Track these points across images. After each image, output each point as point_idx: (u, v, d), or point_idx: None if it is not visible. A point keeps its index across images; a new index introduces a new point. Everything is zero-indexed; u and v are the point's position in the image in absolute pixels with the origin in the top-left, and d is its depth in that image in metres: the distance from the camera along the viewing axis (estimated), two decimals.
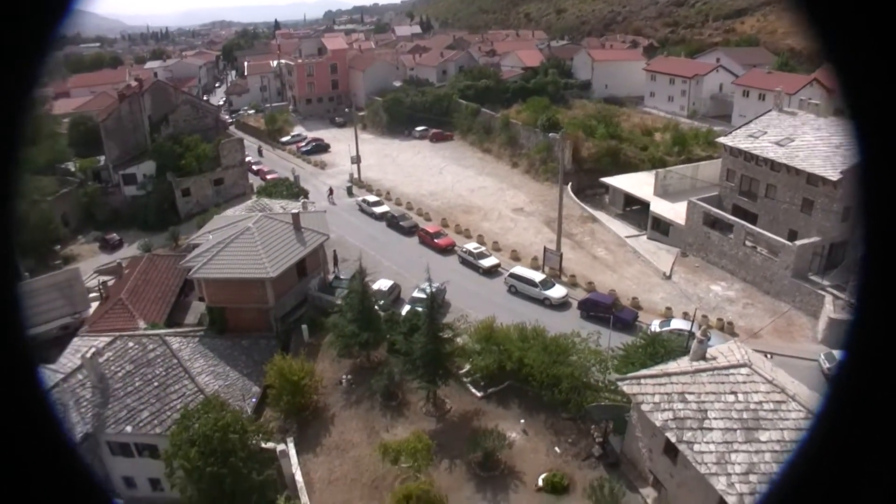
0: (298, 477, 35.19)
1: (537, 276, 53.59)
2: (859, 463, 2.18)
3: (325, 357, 45.10)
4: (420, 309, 41.24)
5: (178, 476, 33.00)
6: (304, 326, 47.59)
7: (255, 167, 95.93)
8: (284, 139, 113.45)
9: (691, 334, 38.26)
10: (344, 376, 43.21)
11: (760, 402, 28.19)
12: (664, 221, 63.33)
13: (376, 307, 44.58)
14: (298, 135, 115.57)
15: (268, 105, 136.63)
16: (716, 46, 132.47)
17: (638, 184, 70.83)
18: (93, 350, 40.25)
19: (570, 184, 74.04)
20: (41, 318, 49.51)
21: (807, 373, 39.00)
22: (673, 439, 28.90)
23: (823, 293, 47.54)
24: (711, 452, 27.28)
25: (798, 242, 50.26)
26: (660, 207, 64.64)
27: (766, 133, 57.37)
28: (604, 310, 48.23)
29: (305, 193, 76.16)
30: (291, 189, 76.12)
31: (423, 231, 65.17)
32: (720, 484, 26.03)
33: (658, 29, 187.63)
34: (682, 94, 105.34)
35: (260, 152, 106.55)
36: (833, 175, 48.46)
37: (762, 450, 26.33)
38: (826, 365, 41.59)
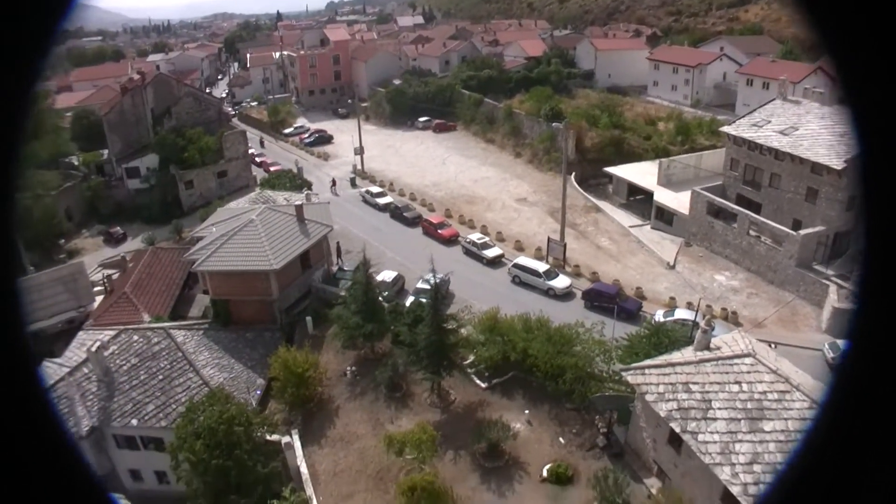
0: (303, 469, 35.29)
1: (541, 267, 53.60)
2: (863, 454, 2.17)
3: (330, 349, 45.15)
4: (424, 300, 41.25)
5: (183, 469, 33.17)
6: (308, 318, 47.62)
7: (258, 159, 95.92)
8: (287, 131, 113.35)
9: (695, 324, 38.25)
10: (348, 368, 43.27)
11: (764, 392, 28.18)
12: (668, 211, 63.22)
13: (380, 298, 44.60)
14: (301, 126, 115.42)
15: (270, 97, 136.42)
16: (719, 35, 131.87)
17: (641, 173, 70.69)
18: (98, 344, 40.39)
19: (573, 174, 73.88)
20: (46, 312, 49.66)
21: (811, 362, 39.00)
22: (677, 429, 28.92)
23: (827, 283, 47.45)
24: (715, 442, 27.30)
25: (802, 232, 50.15)
26: (663, 197, 64.52)
27: (770, 122, 57.16)
28: (608, 300, 48.26)
29: (309, 185, 76.22)
30: (295, 181, 76.11)
31: (427, 222, 65.19)
32: (724, 474, 26.05)
33: (661, 18, 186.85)
34: (686, 83, 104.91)
35: (262, 143, 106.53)
36: (837, 164, 48.30)
37: (766, 440, 26.34)
38: (830, 354, 41.52)
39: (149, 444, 39.13)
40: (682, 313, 45.86)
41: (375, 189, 75.87)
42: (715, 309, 47.75)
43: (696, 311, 42.40)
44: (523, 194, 75.53)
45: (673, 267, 56.07)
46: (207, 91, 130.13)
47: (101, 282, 57.41)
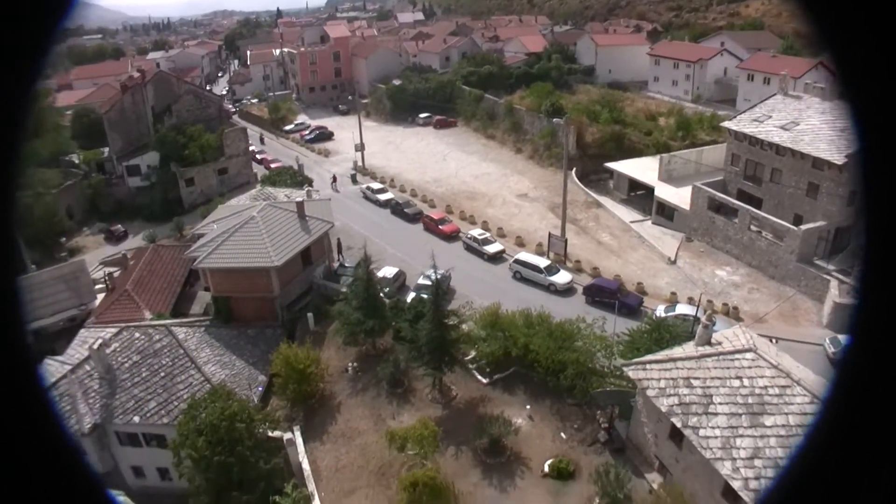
0: (305, 465, 35.35)
1: (542, 262, 53.62)
2: (865, 450, 2.17)
3: (331, 345, 45.19)
4: (425, 296, 41.22)
5: (185, 465, 33.19)
6: (309, 315, 47.68)
7: (258, 156, 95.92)
8: (288, 128, 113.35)
9: (696, 319, 38.31)
10: (350, 364, 43.32)
11: (765, 387, 28.19)
12: (669, 206, 63.21)
13: (381, 294, 44.60)
14: (302, 123, 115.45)
15: (271, 94, 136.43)
16: (720, 30, 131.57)
17: (642, 169, 70.68)
18: (99, 341, 40.42)
19: (574, 169, 73.89)
20: (48, 310, 49.72)
21: (812, 357, 38.97)
22: (678, 424, 28.94)
23: (829, 277, 47.44)
24: (717, 437, 27.32)
25: (803, 227, 50.13)
26: (664, 192, 64.53)
27: (771, 117, 57.13)
28: (609, 295, 48.26)
29: (310, 182, 76.14)
30: (295, 177, 76.14)
31: (428, 218, 65.22)
32: (725, 469, 26.08)
33: (662, 13, 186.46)
34: (687, 78, 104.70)
35: (262, 140, 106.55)
36: (838, 159, 48.26)
37: (767, 434, 26.35)
38: (831, 349, 41.52)
39: (151, 441, 39.19)
40: (683, 308, 45.88)
41: (376, 185, 75.90)
42: (716, 304, 47.77)
43: (697, 307, 42.45)
44: (524, 190, 75.53)
45: (674, 262, 56.07)
46: (208, 88, 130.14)
47: (103, 279, 57.46)
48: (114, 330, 43.42)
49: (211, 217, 59.31)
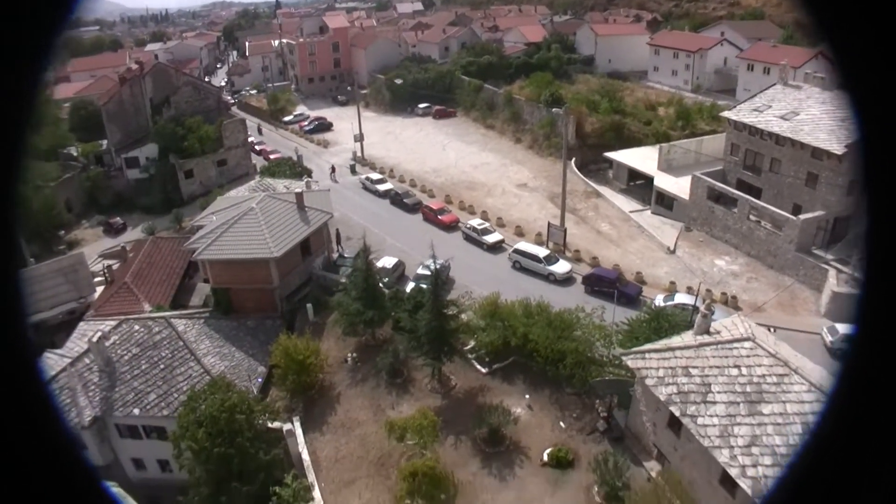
0: (305, 456, 35.46)
1: (541, 252, 53.65)
2: (871, 445, 2.17)
3: (331, 336, 45.26)
4: (424, 286, 41.26)
5: (186, 457, 33.30)
6: (308, 305, 47.72)
7: (257, 147, 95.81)
8: (287, 119, 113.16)
9: (695, 308, 38.35)
10: (349, 354, 43.39)
11: (763, 376, 28.26)
12: (668, 196, 63.19)
13: (381, 285, 44.65)
14: (301, 114, 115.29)
15: (270, 85, 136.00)
16: (720, 20, 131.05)
17: (642, 158, 70.61)
18: (99, 334, 40.47)
19: (573, 159, 73.78)
20: (47, 303, 49.74)
21: (810, 346, 39.10)
22: (677, 413, 29.04)
23: (827, 267, 47.49)
24: (715, 426, 27.43)
25: (802, 216, 50.14)
26: (664, 182, 64.48)
27: (770, 107, 57.04)
28: (608, 285, 48.29)
29: (309, 172, 76.16)
30: (295, 168, 76.08)
31: (427, 208, 65.21)
32: (723, 456, 26.18)
33: (662, 3, 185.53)
34: (686, 68, 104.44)
35: (259, 131, 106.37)
36: (838, 149, 48.23)
37: (765, 422, 26.44)
38: (829, 338, 41.62)
39: (151, 433, 39.31)
40: (682, 298, 45.92)
41: (375, 176, 75.84)
42: (715, 293, 47.82)
43: (696, 296, 42.47)
44: (523, 180, 75.48)
45: (673, 252, 56.08)
46: (206, 80, 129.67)
47: (102, 272, 57.45)
48: (113, 322, 43.48)
49: (210, 208, 59.32)
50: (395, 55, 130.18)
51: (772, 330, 37.75)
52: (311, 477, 34.02)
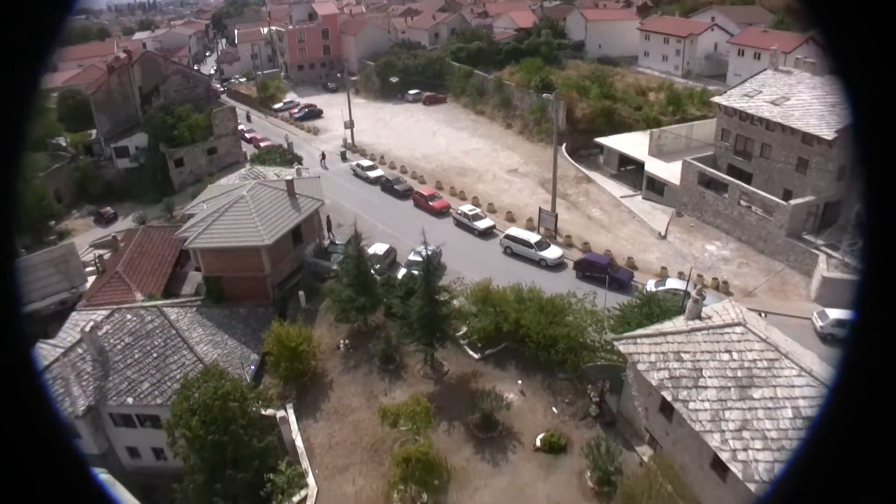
0: (299, 442, 35.56)
1: (533, 238, 53.73)
2: (872, 440, 2.17)
3: (323, 322, 45.30)
4: (416, 272, 41.32)
5: (180, 445, 33.36)
6: (300, 293, 47.75)
7: (247, 135, 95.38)
8: (277, 106, 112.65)
9: (686, 294, 38.52)
10: (342, 341, 43.44)
11: (754, 361, 28.47)
12: (659, 181, 63.30)
13: (372, 271, 44.66)
14: (291, 101, 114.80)
15: (259, 73, 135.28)
16: (711, 5, 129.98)
17: (632, 144, 70.65)
18: (91, 324, 40.44)
19: (564, 144, 73.82)
20: (38, 293, 49.62)
21: (800, 331, 39.36)
22: (668, 398, 29.22)
23: (817, 252, 47.75)
24: (706, 410, 27.62)
25: (792, 202, 50.33)
26: (654, 167, 64.58)
27: (761, 92, 57.14)
28: (599, 270, 48.41)
29: (299, 160, 75.97)
30: (285, 156, 75.86)
31: (418, 194, 65.17)
32: (714, 441, 26.38)
33: None
34: (677, 53, 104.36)
35: (248, 118, 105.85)
36: (828, 134, 48.40)
37: (755, 407, 26.64)
38: (819, 323, 41.93)
39: (145, 422, 39.38)
40: (673, 283, 46.10)
41: (366, 162, 75.62)
42: (706, 278, 48.00)
43: (688, 281, 42.65)
44: (514, 165, 75.47)
45: (664, 237, 56.25)
46: (195, 68, 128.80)
47: (93, 262, 57.27)
48: (105, 312, 43.41)
49: (201, 197, 59.13)
50: (385, 42, 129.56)
51: (762, 315, 37.98)
52: (305, 463, 34.15)
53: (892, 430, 2.14)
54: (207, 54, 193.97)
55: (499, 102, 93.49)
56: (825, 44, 2.09)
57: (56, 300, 51.17)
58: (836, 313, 41.80)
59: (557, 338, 36.73)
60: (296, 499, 32.00)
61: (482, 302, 40.61)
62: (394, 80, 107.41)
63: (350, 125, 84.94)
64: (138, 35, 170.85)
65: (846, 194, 49.70)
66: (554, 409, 36.19)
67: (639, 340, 32.25)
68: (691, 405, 28.16)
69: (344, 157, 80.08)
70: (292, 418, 37.20)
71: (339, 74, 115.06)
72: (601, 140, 73.88)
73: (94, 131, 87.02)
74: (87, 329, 39.62)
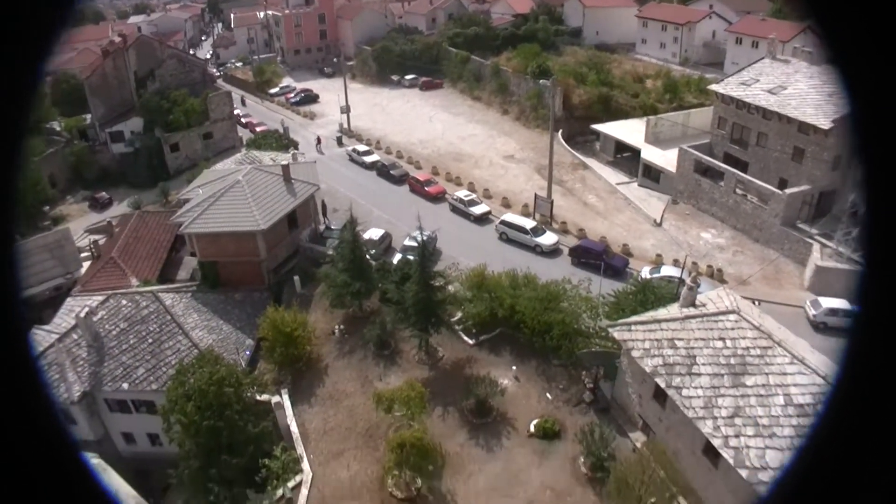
0: (294, 428, 35.62)
1: (528, 223, 53.80)
2: (874, 439, 2.16)
3: (318, 308, 45.31)
4: (411, 257, 41.35)
5: (175, 430, 33.41)
6: (296, 278, 47.74)
7: (243, 119, 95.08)
8: (273, 91, 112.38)
9: (681, 281, 38.61)
10: (337, 326, 43.47)
11: (747, 348, 28.58)
12: (655, 169, 63.28)
13: (368, 256, 44.63)
14: (287, 86, 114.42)
15: (255, 57, 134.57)
16: None
17: (629, 131, 70.54)
18: (86, 309, 40.35)
19: (560, 131, 73.68)
20: (33, 279, 49.52)
21: (793, 319, 39.53)
22: (662, 385, 29.34)
23: (811, 241, 47.91)
24: (699, 397, 27.75)
25: (788, 191, 50.45)
26: (651, 155, 64.53)
27: (758, 81, 57.07)
28: (595, 256, 48.52)
29: (295, 145, 75.79)
30: (281, 141, 75.68)
31: (414, 179, 65.17)
32: (707, 427, 26.53)
33: None
34: (675, 41, 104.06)
35: (243, 102, 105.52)
36: (825, 123, 48.43)
37: (748, 394, 26.77)
38: (812, 312, 42.20)
39: (140, 408, 39.43)
40: (668, 270, 46.24)
41: (362, 147, 75.54)
42: (701, 266, 48.14)
43: (682, 269, 42.75)
44: (510, 151, 75.41)
45: (659, 224, 56.32)
46: (191, 53, 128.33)
47: (88, 247, 57.10)
48: (100, 298, 43.34)
49: (196, 182, 58.95)
50: (382, 26, 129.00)
51: (756, 303, 38.18)
52: (300, 449, 34.22)
53: (893, 429, 2.14)
54: (203, 38, 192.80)
55: (495, 88, 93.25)
56: (822, 33, 2.09)
57: (51, 286, 51.11)
58: (828, 302, 42.06)
59: (552, 324, 36.81)
60: (291, 484, 32.09)
61: (477, 288, 40.65)
62: (395, 77, 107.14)
63: (346, 110, 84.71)
64: (133, 19, 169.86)
65: (841, 184, 49.80)
66: (548, 395, 36.32)
67: (633, 327, 32.34)
68: (684, 392, 28.30)
69: (340, 142, 79.96)
70: (287, 403, 37.25)
71: (335, 59, 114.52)
72: (598, 127, 73.75)
73: (88, 116, 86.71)
74: (82, 315, 39.55)
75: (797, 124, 51.19)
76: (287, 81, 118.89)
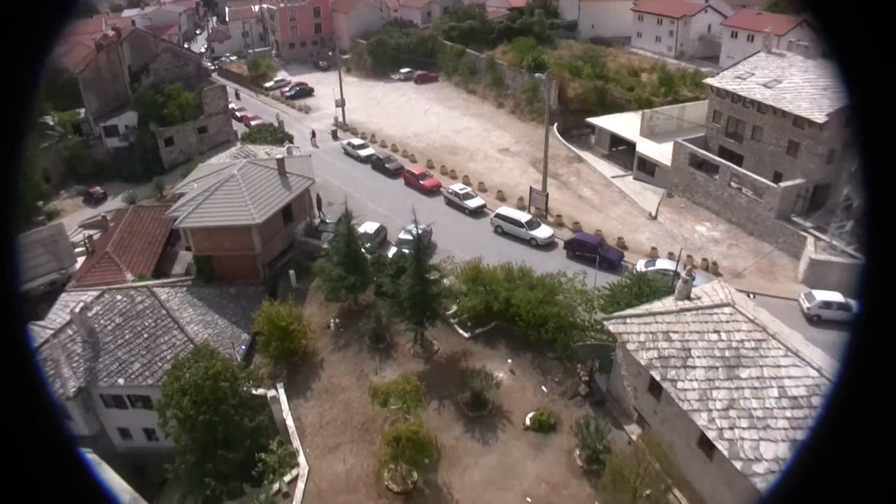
0: (289, 422, 35.66)
1: (523, 217, 53.82)
2: (875, 435, 2.16)
3: (313, 301, 45.34)
4: (406, 251, 41.38)
5: (171, 425, 33.42)
6: (291, 272, 47.75)
7: (238, 113, 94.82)
8: (268, 84, 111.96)
9: (676, 274, 38.67)
10: (332, 320, 43.50)
11: (742, 341, 28.72)
12: (650, 162, 63.31)
13: (363, 250, 44.64)
14: (282, 80, 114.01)
15: (250, 51, 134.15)
16: None
17: (624, 124, 70.53)
18: (81, 305, 40.24)
19: (556, 124, 73.61)
20: (28, 274, 49.29)
21: (788, 312, 39.67)
22: (657, 377, 29.46)
23: (805, 234, 48.05)
24: (694, 390, 27.88)
25: (783, 184, 50.52)
26: (646, 148, 64.54)
27: (753, 74, 57.07)
28: (590, 250, 48.53)
29: (290, 138, 75.70)
30: (276, 134, 75.58)
31: (409, 173, 65.12)
32: (701, 419, 26.66)
33: None
34: (670, 34, 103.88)
35: (237, 95, 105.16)
36: (819, 117, 48.48)
37: (742, 386, 26.92)
38: (806, 304, 42.35)
39: (136, 403, 39.37)
40: (663, 263, 46.28)
41: (357, 141, 75.36)
42: (696, 259, 48.20)
43: (678, 262, 42.81)
44: (505, 144, 75.34)
45: (654, 217, 56.37)
46: (186, 46, 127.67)
47: (83, 242, 57.00)
48: (95, 293, 43.25)
49: (191, 176, 58.79)
50: (377, 20, 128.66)
51: (751, 296, 38.26)
52: (296, 443, 34.28)
53: (893, 429, 2.14)
54: (198, 32, 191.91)
55: (491, 81, 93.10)
56: (818, 27, 2.10)
57: (45, 281, 50.93)
58: (822, 295, 42.22)
59: (547, 317, 36.90)
60: (287, 478, 32.15)
61: (472, 281, 40.70)
62: (395, 76, 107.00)
63: (341, 103, 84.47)
64: (127, 12, 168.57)
65: (835, 177, 49.91)
66: (543, 388, 36.42)
67: (628, 320, 32.45)
68: (679, 385, 28.41)
69: (335, 136, 79.82)
70: (283, 398, 37.30)
71: (330, 53, 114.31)
72: (593, 120, 73.75)
73: (82, 110, 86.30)
74: (77, 310, 39.45)
75: (792, 118, 51.24)
76: (282, 75, 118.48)
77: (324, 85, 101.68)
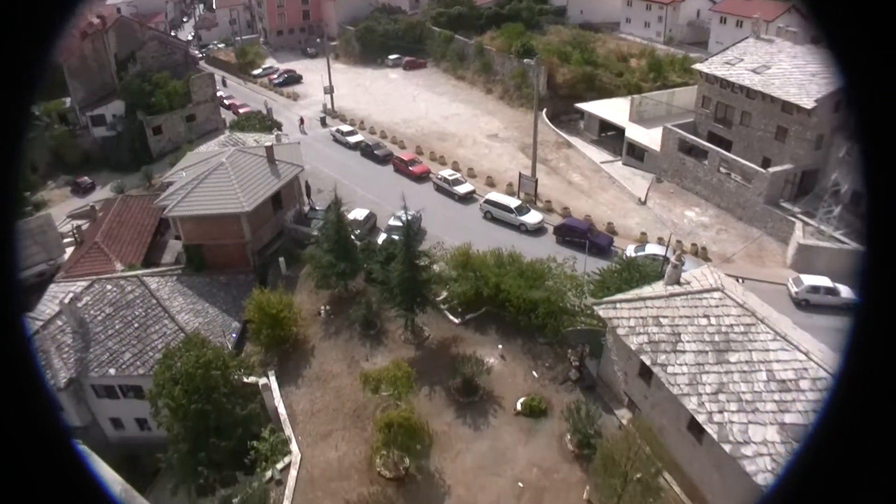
0: (281, 409, 35.69)
1: (513, 202, 53.91)
2: (875, 435, 2.16)
3: (304, 289, 45.31)
4: (396, 237, 41.31)
5: (163, 415, 33.41)
6: (281, 259, 47.68)
7: (226, 101, 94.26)
8: (256, 72, 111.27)
9: (666, 259, 38.82)
10: (322, 307, 43.49)
11: (731, 325, 28.91)
12: (639, 147, 63.43)
13: (352, 237, 44.60)
14: (270, 67, 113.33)
15: (238, 38, 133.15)
16: None
17: (613, 110, 70.61)
18: (71, 295, 40.08)
19: (544, 110, 73.64)
20: None
21: (776, 296, 39.92)
22: (647, 362, 29.61)
23: (794, 220, 48.33)
24: (684, 374, 28.06)
25: (771, 169, 50.78)
26: (635, 133, 64.65)
27: (742, 60, 57.19)
28: (579, 235, 48.68)
29: (279, 126, 75.31)
30: (264, 122, 75.18)
31: (398, 159, 65.05)
32: (691, 403, 26.84)
33: None
34: (659, 20, 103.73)
35: (224, 83, 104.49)
36: (808, 103, 48.69)
37: (731, 370, 27.13)
38: (794, 289, 42.69)
39: (128, 393, 39.33)
40: (652, 248, 46.48)
41: (346, 128, 75.06)
42: (685, 244, 48.42)
43: (667, 247, 43.01)
44: (494, 130, 75.28)
45: (644, 203, 56.53)
46: (173, 34, 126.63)
47: (71, 233, 56.69)
48: (85, 283, 43.06)
49: (180, 165, 58.51)
50: (365, 6, 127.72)
51: (740, 280, 38.50)
52: (288, 430, 34.32)
53: (893, 429, 2.15)
54: (185, 20, 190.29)
55: (479, 67, 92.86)
56: (808, 11, 2.12)
57: (34, 272, 50.54)
58: (810, 279, 42.56)
59: (537, 302, 36.99)
60: (279, 465, 32.23)
61: (462, 267, 40.74)
62: (384, 63, 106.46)
63: (330, 90, 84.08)
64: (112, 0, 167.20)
65: (824, 163, 50.16)
66: (534, 373, 36.56)
67: (618, 305, 32.56)
68: (669, 369, 28.58)
69: (324, 123, 79.50)
70: (274, 385, 37.30)
71: (318, 40, 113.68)
72: (582, 106, 73.80)
73: (68, 99, 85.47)
74: (67, 301, 39.30)
75: (780, 103, 51.44)
76: (270, 62, 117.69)
77: (312, 72, 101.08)
